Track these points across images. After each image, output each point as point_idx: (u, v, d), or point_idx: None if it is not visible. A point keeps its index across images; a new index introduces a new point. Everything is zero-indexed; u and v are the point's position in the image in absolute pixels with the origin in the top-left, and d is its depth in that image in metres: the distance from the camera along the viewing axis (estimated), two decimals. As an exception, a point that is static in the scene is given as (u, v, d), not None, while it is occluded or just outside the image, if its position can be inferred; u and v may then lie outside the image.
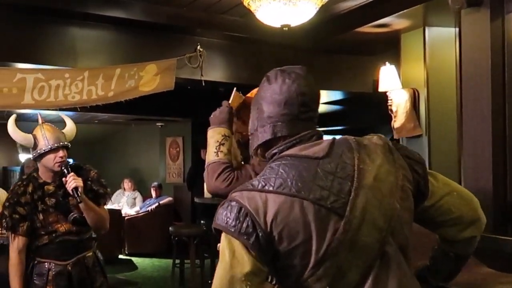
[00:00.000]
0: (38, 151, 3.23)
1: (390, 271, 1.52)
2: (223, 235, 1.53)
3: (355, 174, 1.51)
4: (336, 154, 1.55)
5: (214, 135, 2.51)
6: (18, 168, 9.51)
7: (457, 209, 1.67)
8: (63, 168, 3.20)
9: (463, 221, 1.68)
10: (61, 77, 5.28)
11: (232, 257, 1.49)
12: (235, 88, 2.66)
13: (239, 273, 1.48)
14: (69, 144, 3.34)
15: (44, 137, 3.23)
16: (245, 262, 1.48)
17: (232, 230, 1.48)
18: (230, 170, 2.40)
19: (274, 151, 1.63)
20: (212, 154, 2.46)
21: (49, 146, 3.21)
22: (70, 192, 3.13)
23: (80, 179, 3.17)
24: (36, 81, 5.16)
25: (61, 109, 5.58)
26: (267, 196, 1.49)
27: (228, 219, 1.50)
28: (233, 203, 1.51)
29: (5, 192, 4.79)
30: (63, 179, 3.16)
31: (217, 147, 2.47)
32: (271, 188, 1.50)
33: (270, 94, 1.65)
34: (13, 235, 3.22)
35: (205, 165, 2.48)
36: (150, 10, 5.51)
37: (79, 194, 3.11)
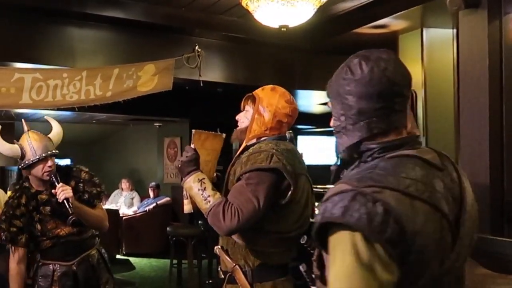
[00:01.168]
0: (26, 162, 3.19)
1: None
2: (355, 234, 1.26)
3: (462, 196, 1.40)
4: (447, 168, 1.43)
5: (192, 187, 2.48)
6: (16, 168, 9.49)
7: None
8: (51, 177, 3.16)
9: None
10: (59, 77, 5.28)
11: (377, 263, 1.24)
12: (193, 130, 2.67)
13: (385, 282, 1.24)
14: (57, 151, 3.28)
15: (31, 147, 3.18)
16: (390, 268, 1.25)
17: (379, 235, 1.23)
18: (229, 204, 2.36)
19: (372, 145, 1.43)
20: (203, 203, 2.43)
21: (37, 157, 3.17)
22: (61, 203, 3.11)
23: (69, 188, 3.13)
24: (34, 80, 5.16)
25: (59, 109, 5.59)
26: (413, 202, 1.28)
27: (372, 221, 1.23)
28: (374, 201, 1.26)
29: (3, 192, 4.79)
30: (53, 191, 3.13)
31: (203, 195, 2.43)
32: (414, 193, 1.29)
33: (357, 88, 1.43)
34: (13, 247, 3.20)
35: (205, 216, 2.44)
36: (149, 10, 5.51)
37: (70, 205, 3.08)
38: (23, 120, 3.44)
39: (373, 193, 1.27)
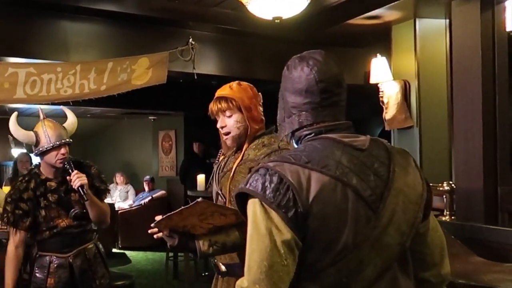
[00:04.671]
0: (40, 149, 3.23)
1: (405, 276, 1.56)
2: (255, 202, 1.47)
3: (390, 175, 1.53)
4: (375, 151, 1.56)
5: (213, 253, 2.33)
6: (11, 163, 9.48)
7: (432, 248, 1.65)
8: (65, 165, 3.19)
9: (429, 260, 1.65)
10: (53, 71, 5.27)
11: (269, 227, 1.43)
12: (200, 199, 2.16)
13: (279, 242, 1.42)
14: (71, 140, 3.33)
15: (46, 134, 3.22)
16: (284, 231, 1.43)
17: (271, 201, 1.44)
18: None
19: (306, 132, 1.61)
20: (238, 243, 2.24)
21: (51, 144, 3.20)
22: (76, 189, 3.13)
23: (84, 176, 3.16)
24: (28, 75, 5.15)
25: (53, 104, 5.58)
26: (310, 173, 1.46)
27: (266, 189, 1.45)
28: (273, 173, 1.47)
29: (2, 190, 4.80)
30: (67, 177, 3.16)
31: (229, 245, 2.28)
32: (315, 166, 1.47)
33: (291, 84, 1.63)
34: (14, 229, 3.22)
35: None
36: (142, 3, 5.50)
37: (85, 192, 3.12)
38: (39, 108, 3.46)
39: (274, 167, 1.48)
